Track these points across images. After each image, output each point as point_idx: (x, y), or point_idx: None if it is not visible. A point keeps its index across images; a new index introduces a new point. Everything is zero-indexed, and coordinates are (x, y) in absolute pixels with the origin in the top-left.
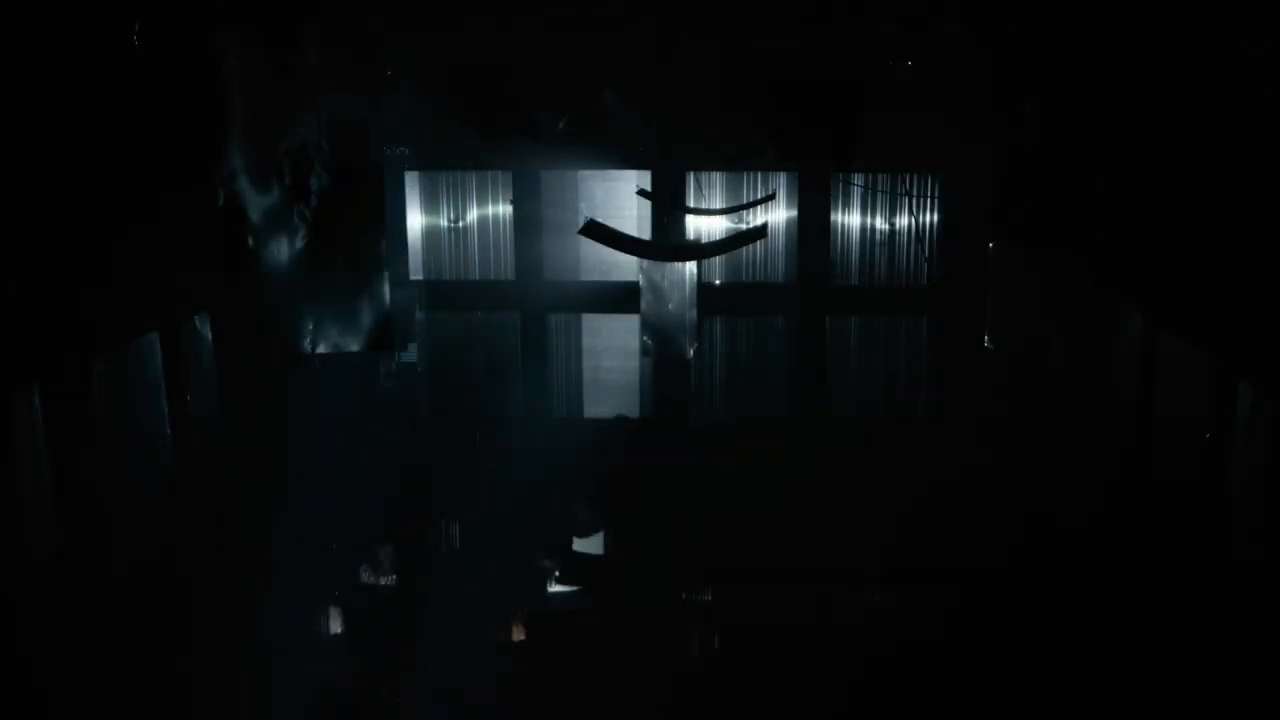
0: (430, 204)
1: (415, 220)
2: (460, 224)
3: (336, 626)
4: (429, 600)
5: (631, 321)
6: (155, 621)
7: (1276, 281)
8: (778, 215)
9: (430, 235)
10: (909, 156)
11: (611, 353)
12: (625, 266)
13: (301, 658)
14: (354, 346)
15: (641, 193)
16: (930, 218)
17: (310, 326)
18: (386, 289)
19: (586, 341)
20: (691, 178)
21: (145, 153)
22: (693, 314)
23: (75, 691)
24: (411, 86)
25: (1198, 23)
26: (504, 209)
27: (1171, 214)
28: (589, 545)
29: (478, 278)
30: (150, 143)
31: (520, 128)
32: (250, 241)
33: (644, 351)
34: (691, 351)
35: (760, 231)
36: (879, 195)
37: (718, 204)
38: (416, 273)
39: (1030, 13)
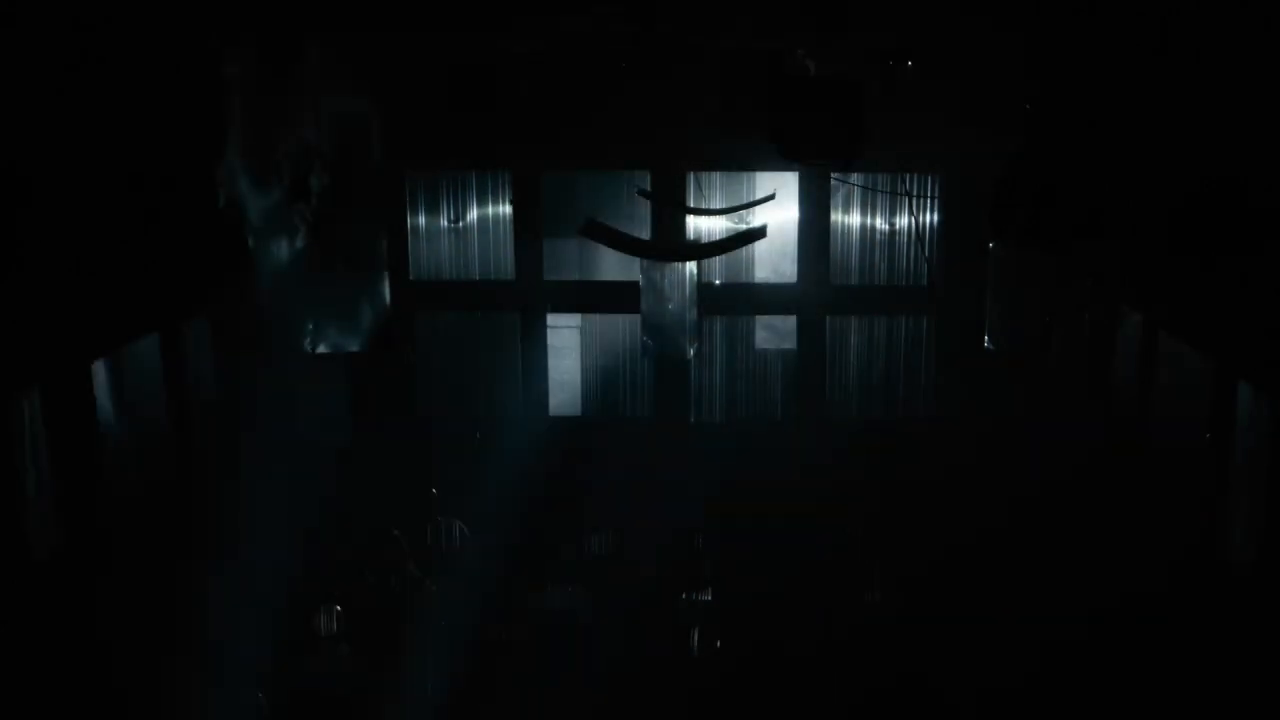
0: (430, 204)
1: (415, 220)
2: (460, 224)
3: (335, 626)
4: (429, 600)
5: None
6: (155, 622)
7: (1276, 281)
8: (778, 215)
9: (430, 235)
10: (909, 156)
11: None
12: (625, 266)
13: (300, 658)
14: (354, 346)
15: (641, 193)
16: (930, 218)
17: (310, 326)
18: (386, 289)
19: None
20: (691, 178)
21: (145, 152)
22: (693, 314)
23: (75, 691)
24: (412, 87)
25: (1197, 23)
26: (504, 209)
27: (1172, 214)
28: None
29: (478, 278)
30: (150, 142)
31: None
32: (250, 242)
33: (644, 351)
34: (691, 351)
35: (760, 231)
36: (879, 195)
37: (718, 204)
38: (417, 273)
39: (1031, 14)
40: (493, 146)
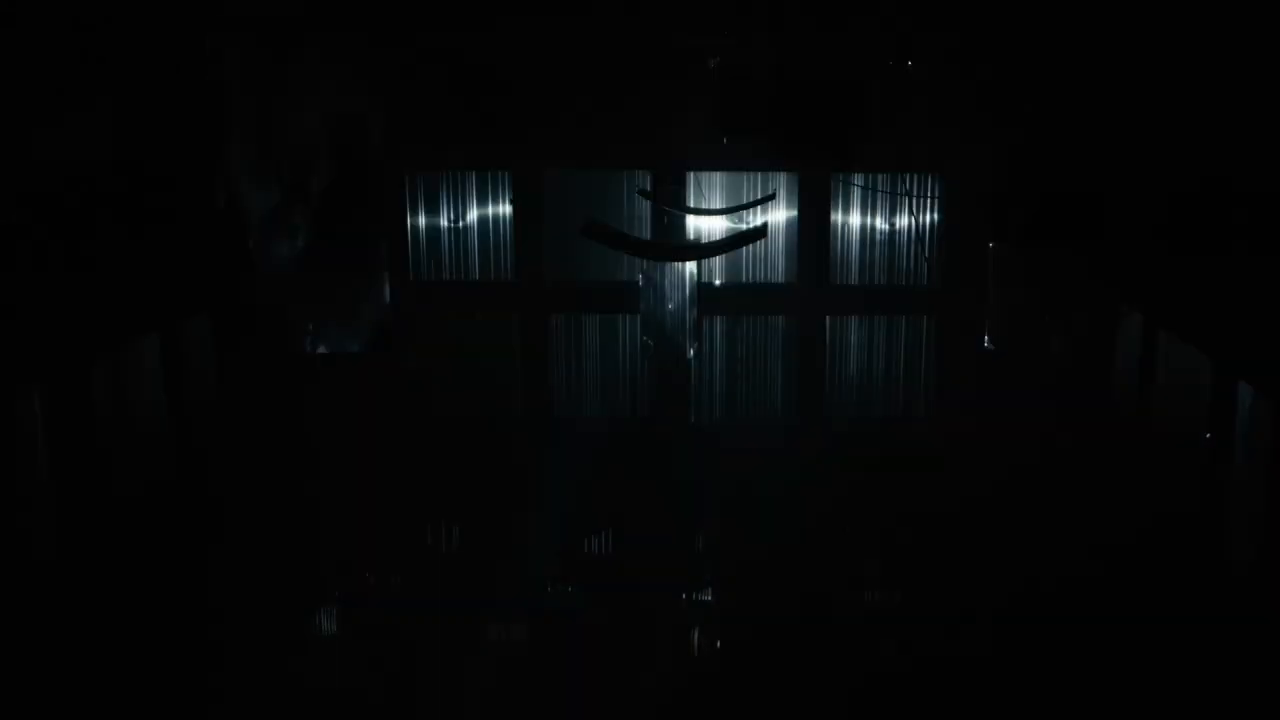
0: (430, 204)
1: (415, 220)
2: (460, 224)
3: (335, 626)
4: (427, 600)
5: None
6: (155, 622)
7: (1276, 281)
8: (778, 215)
9: (430, 235)
10: (909, 156)
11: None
12: (625, 266)
13: (299, 657)
14: (354, 346)
15: (641, 193)
16: (930, 218)
17: (310, 326)
18: (386, 289)
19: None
20: (691, 178)
21: (145, 152)
22: (693, 314)
23: (75, 692)
24: (411, 86)
25: (1196, 22)
26: (504, 209)
27: (1172, 214)
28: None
29: (478, 278)
30: (150, 142)
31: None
32: (251, 241)
33: (644, 351)
34: (692, 351)
35: (760, 231)
36: (879, 195)
37: (718, 204)
38: (417, 273)
39: (1031, 14)
40: (493, 146)
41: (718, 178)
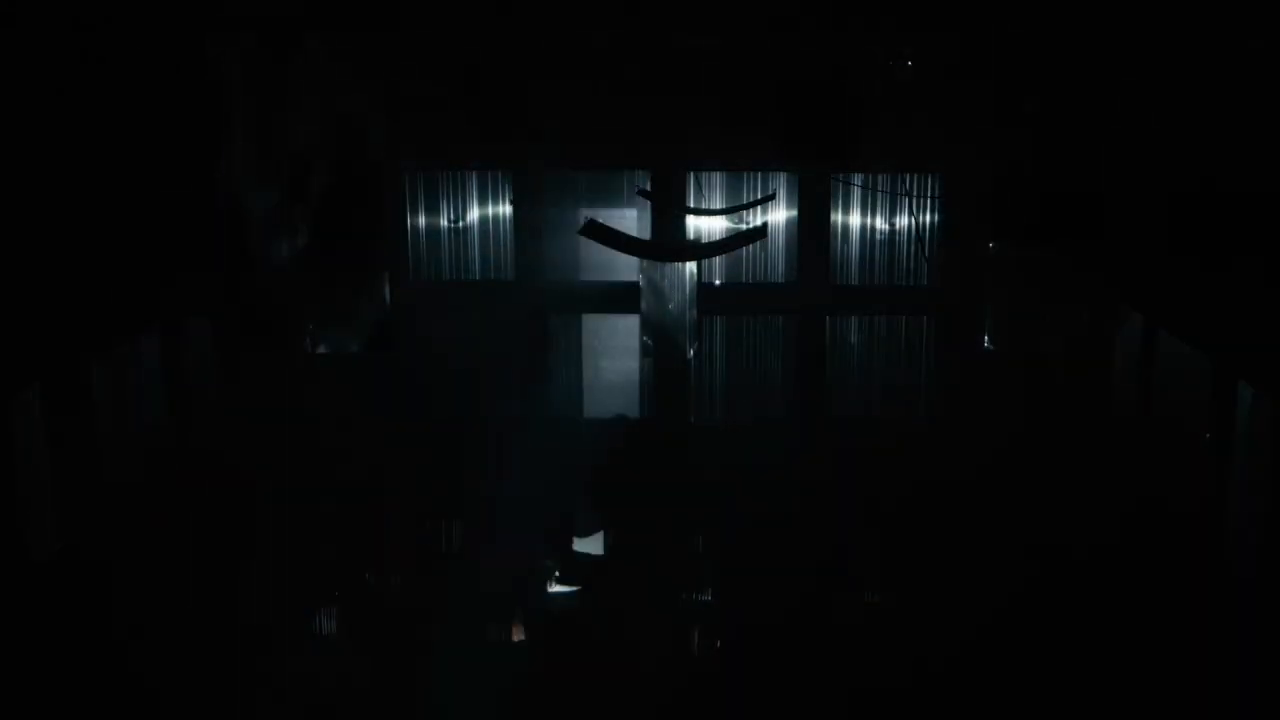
0: (430, 204)
1: (415, 220)
2: (460, 224)
3: (335, 625)
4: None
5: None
6: (155, 622)
7: (1276, 281)
8: (778, 215)
9: (430, 235)
10: (909, 156)
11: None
12: (625, 266)
13: (301, 656)
14: (354, 346)
15: (641, 193)
16: (930, 218)
17: (310, 326)
18: (386, 289)
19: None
20: (691, 178)
21: (145, 152)
22: (693, 314)
23: (75, 692)
24: (411, 86)
25: (1198, 21)
26: (504, 209)
27: (1173, 214)
28: (589, 545)
29: (478, 278)
30: (150, 142)
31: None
32: (251, 241)
33: (644, 352)
34: (691, 351)
35: (760, 231)
36: (879, 195)
37: (718, 204)
38: (417, 273)
39: (1031, 13)
40: (493, 146)
41: (718, 178)
